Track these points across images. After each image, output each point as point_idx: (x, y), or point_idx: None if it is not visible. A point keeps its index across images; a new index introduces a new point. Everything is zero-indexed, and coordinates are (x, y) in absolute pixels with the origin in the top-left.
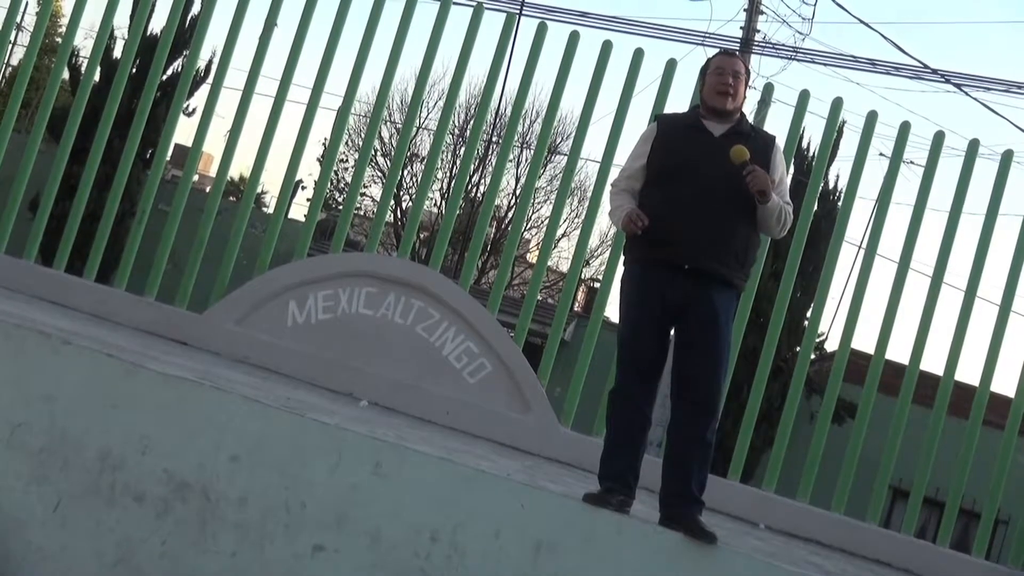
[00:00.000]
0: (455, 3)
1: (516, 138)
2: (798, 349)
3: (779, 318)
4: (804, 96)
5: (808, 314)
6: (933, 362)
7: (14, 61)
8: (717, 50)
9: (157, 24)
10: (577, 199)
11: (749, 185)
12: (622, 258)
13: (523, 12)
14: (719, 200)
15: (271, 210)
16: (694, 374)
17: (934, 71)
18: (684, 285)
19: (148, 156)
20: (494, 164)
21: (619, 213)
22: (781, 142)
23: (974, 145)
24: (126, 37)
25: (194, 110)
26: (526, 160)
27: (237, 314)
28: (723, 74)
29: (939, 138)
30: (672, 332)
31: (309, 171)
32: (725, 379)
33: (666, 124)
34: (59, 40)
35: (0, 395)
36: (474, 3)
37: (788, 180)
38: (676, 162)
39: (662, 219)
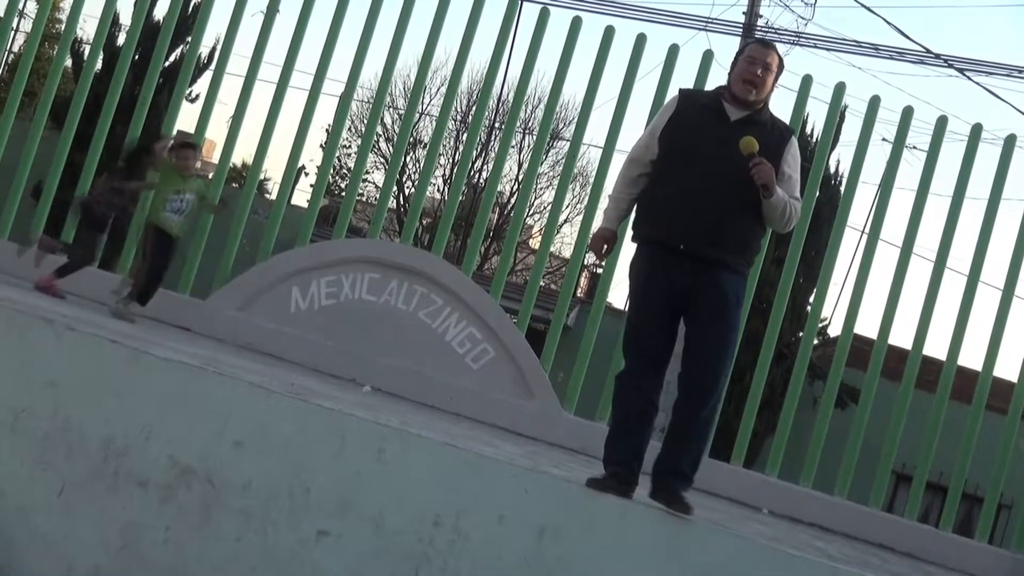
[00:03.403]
0: None
1: (518, 124)
2: (801, 334)
3: (782, 303)
4: (807, 81)
5: (811, 299)
6: (936, 347)
7: (15, 48)
8: (719, 34)
9: (160, 11)
10: (579, 185)
11: (754, 177)
12: (629, 233)
13: None
14: (724, 185)
15: (274, 196)
16: (700, 358)
17: (937, 56)
18: (690, 269)
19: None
20: (496, 150)
21: (604, 216)
22: None
23: (977, 130)
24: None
25: (197, 97)
26: (528, 146)
27: (240, 300)
28: (753, 63)
29: (942, 123)
30: (682, 317)
31: (311, 157)
32: (730, 362)
33: (686, 100)
34: (61, 28)
35: (4, 381)
36: None
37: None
38: (686, 142)
39: (665, 199)
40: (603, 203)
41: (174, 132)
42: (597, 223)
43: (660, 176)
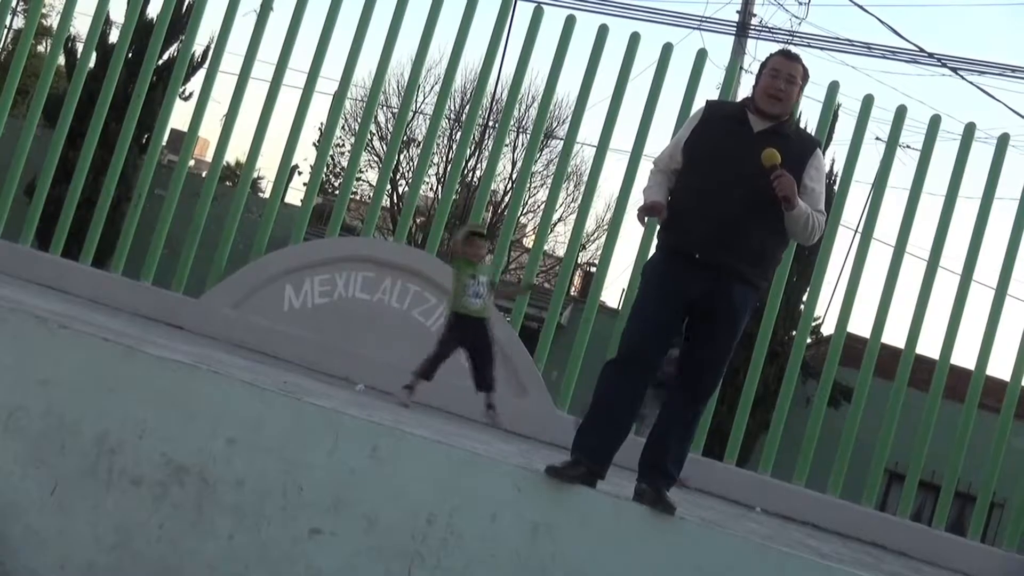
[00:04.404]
0: None
1: (512, 122)
2: (794, 333)
3: (775, 302)
4: None
5: (804, 298)
6: (929, 346)
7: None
8: (713, 33)
9: (153, 9)
10: (573, 183)
11: (775, 189)
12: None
13: None
14: (743, 195)
15: (267, 195)
16: (702, 364)
17: (930, 55)
18: (704, 277)
19: (144, 141)
20: (490, 149)
21: (645, 195)
22: None
23: (970, 129)
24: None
25: (190, 95)
26: (522, 145)
27: (234, 299)
28: (776, 77)
29: (935, 122)
30: (686, 320)
31: (305, 156)
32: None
33: (712, 111)
34: (51, 22)
35: None
36: None
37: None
38: (709, 151)
39: (685, 207)
40: (596, 202)
41: (168, 130)
42: (591, 222)
43: (682, 185)
